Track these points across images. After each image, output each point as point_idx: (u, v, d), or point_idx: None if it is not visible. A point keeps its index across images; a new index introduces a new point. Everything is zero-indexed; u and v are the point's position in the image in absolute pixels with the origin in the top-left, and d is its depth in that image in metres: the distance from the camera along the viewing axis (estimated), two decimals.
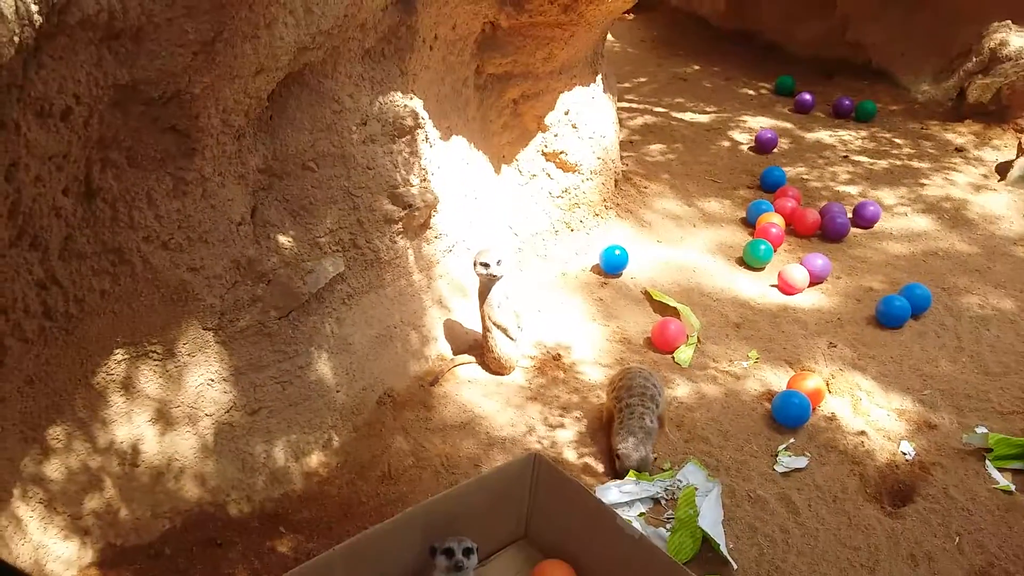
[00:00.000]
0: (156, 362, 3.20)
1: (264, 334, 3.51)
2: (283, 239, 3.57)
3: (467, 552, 2.85)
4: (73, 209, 2.78)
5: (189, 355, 3.29)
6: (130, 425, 3.15)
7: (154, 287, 3.10)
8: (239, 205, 3.36)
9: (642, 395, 3.73)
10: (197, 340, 3.30)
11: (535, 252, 5.23)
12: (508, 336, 4.18)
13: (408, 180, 4.06)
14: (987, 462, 3.85)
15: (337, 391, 3.76)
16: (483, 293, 4.18)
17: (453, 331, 4.46)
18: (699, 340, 4.62)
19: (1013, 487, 3.74)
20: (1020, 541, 3.46)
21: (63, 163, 2.63)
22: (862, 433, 3.98)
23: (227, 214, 3.30)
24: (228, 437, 3.39)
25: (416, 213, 4.14)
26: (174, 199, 3.08)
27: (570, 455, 3.79)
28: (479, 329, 4.29)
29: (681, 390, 4.23)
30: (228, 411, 3.40)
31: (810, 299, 5.13)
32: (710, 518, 3.32)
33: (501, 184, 5.18)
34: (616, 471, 3.64)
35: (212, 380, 3.36)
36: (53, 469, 2.94)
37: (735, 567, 3.23)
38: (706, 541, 3.29)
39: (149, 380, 3.19)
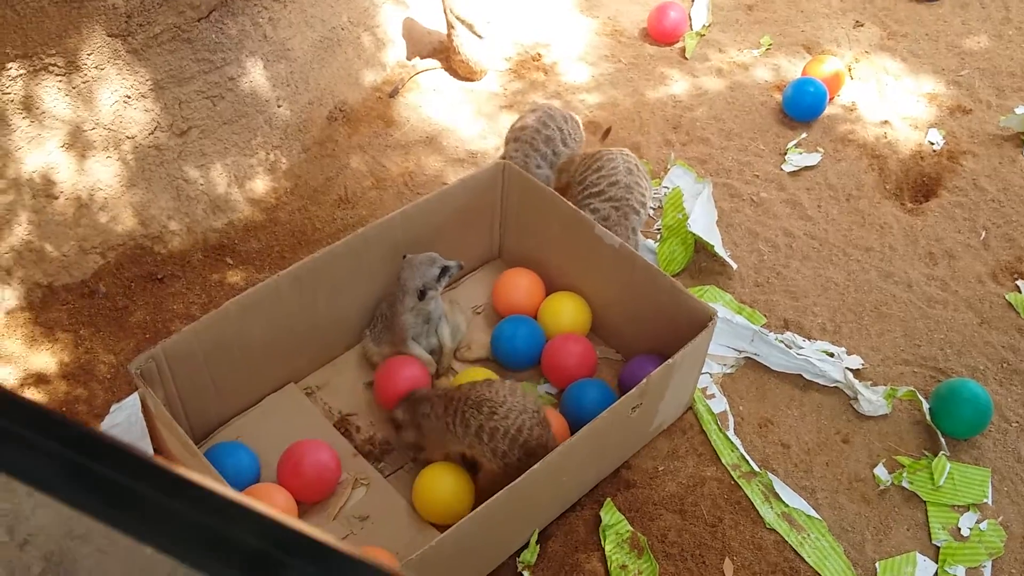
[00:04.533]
0: (59, 77, 2.98)
1: (183, 40, 3.24)
2: None
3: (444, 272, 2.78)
4: None
5: (97, 68, 3.05)
6: (40, 151, 2.99)
7: None
8: None
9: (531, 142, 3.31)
10: (104, 50, 3.05)
11: None
12: (474, 33, 3.87)
13: None
14: None
15: (279, 106, 3.54)
16: None
17: (413, 32, 4.14)
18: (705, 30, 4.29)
19: None
20: None
21: None
22: (885, 123, 3.78)
23: None
24: (157, 162, 3.24)
25: None
26: None
27: None
28: (443, 28, 3.97)
29: (678, 87, 3.98)
30: (152, 132, 3.22)
31: None
32: (702, 221, 3.23)
33: None
34: None
35: (129, 97, 3.14)
36: None
37: (735, 267, 3.17)
38: (701, 249, 3.20)
39: (55, 99, 2.99)
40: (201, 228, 3.27)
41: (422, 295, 2.74)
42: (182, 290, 3.07)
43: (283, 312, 2.70)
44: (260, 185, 3.44)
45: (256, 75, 3.46)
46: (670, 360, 2.49)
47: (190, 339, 2.50)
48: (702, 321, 2.57)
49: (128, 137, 3.17)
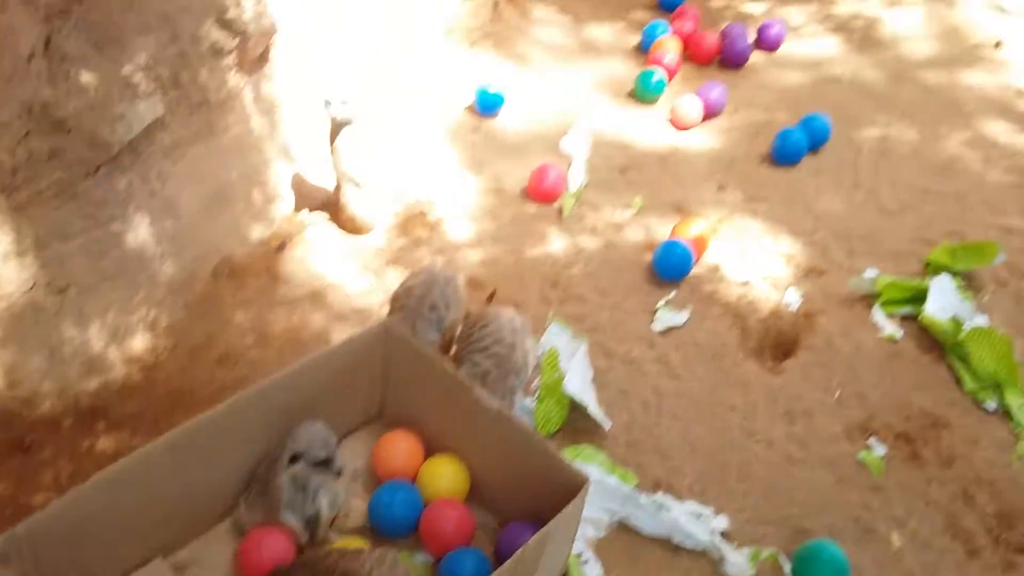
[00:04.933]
0: None
1: (69, 196, 3.23)
2: (86, 77, 3.21)
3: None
4: None
5: None
6: None
7: None
8: (27, 35, 2.98)
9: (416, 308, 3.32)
10: None
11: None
12: (361, 190, 3.98)
13: (239, 1, 3.70)
14: (874, 309, 3.94)
15: (163, 262, 3.54)
16: (332, 139, 3.93)
17: (302, 187, 4.23)
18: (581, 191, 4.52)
19: (899, 334, 3.84)
20: (901, 392, 3.60)
21: None
22: (746, 283, 4.01)
23: (13, 46, 2.93)
24: (32, 321, 3.17)
25: (250, 43, 3.80)
26: None
27: None
28: (331, 184, 4.07)
29: (556, 245, 4.15)
30: (30, 290, 3.16)
31: (703, 137, 5.05)
32: (577, 381, 3.33)
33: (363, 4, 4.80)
34: None
35: (8, 253, 3.09)
36: None
37: (609, 425, 3.26)
38: (576, 407, 3.30)
39: None
40: (74, 390, 3.19)
41: (294, 459, 2.76)
42: (49, 459, 2.96)
43: (155, 483, 2.63)
44: (139, 343, 3.40)
45: (142, 231, 3.47)
46: (543, 529, 2.53)
47: (54, 517, 2.40)
48: (576, 486, 2.62)
49: (4, 295, 3.10)
